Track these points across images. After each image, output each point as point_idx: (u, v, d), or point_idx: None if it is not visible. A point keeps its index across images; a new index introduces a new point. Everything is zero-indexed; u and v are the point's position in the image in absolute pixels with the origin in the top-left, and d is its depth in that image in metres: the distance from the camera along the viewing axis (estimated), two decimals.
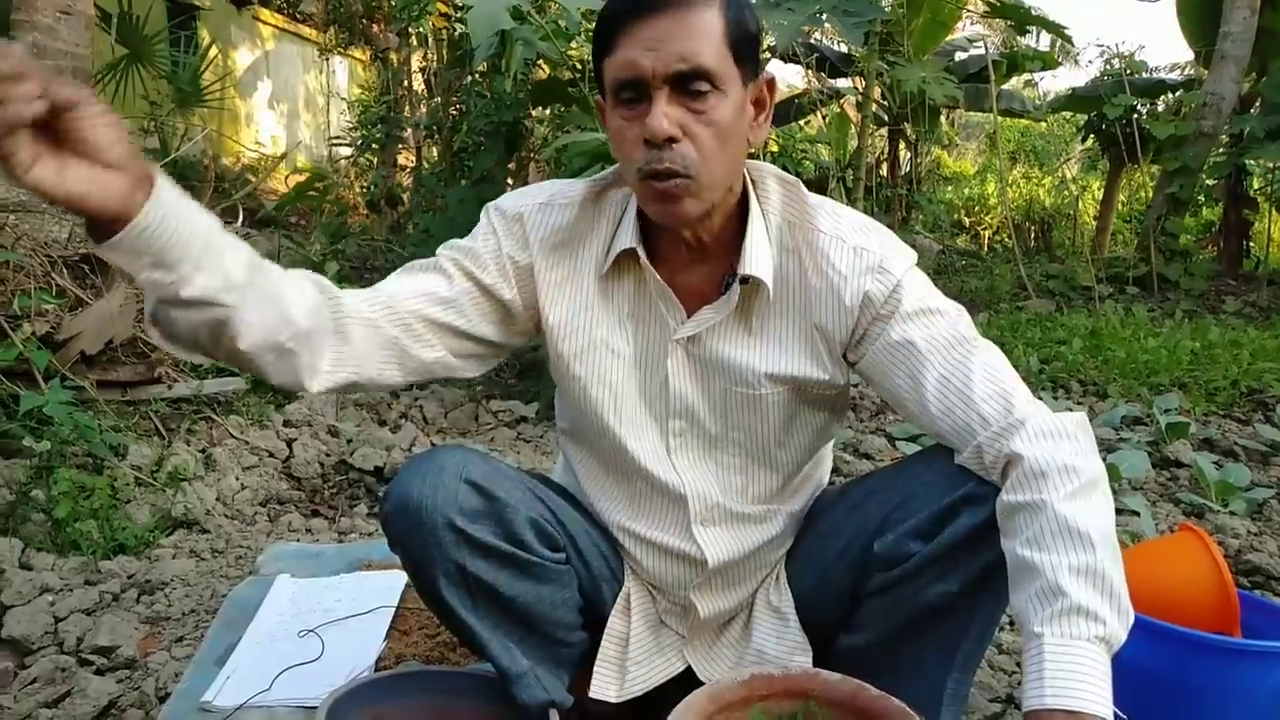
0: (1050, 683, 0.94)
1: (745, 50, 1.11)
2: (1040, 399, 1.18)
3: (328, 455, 2.92)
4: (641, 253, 1.21)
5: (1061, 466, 1.04)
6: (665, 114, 1.06)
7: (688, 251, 1.22)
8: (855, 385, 3.08)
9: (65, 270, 2.93)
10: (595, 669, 1.32)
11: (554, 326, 1.26)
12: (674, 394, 1.26)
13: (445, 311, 1.19)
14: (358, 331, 1.12)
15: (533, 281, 1.25)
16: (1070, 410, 1.15)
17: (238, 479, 2.66)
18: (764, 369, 1.23)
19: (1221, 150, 7.53)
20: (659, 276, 1.22)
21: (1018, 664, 1.81)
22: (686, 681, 1.30)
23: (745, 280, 1.20)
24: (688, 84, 1.07)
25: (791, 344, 1.24)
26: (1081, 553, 0.99)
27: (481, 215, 1.28)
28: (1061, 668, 0.94)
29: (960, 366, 1.14)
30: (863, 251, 1.20)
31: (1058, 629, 0.96)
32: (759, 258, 1.19)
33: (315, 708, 1.30)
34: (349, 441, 3.02)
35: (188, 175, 7.20)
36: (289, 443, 2.93)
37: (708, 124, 1.09)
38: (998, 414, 1.10)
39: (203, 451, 2.72)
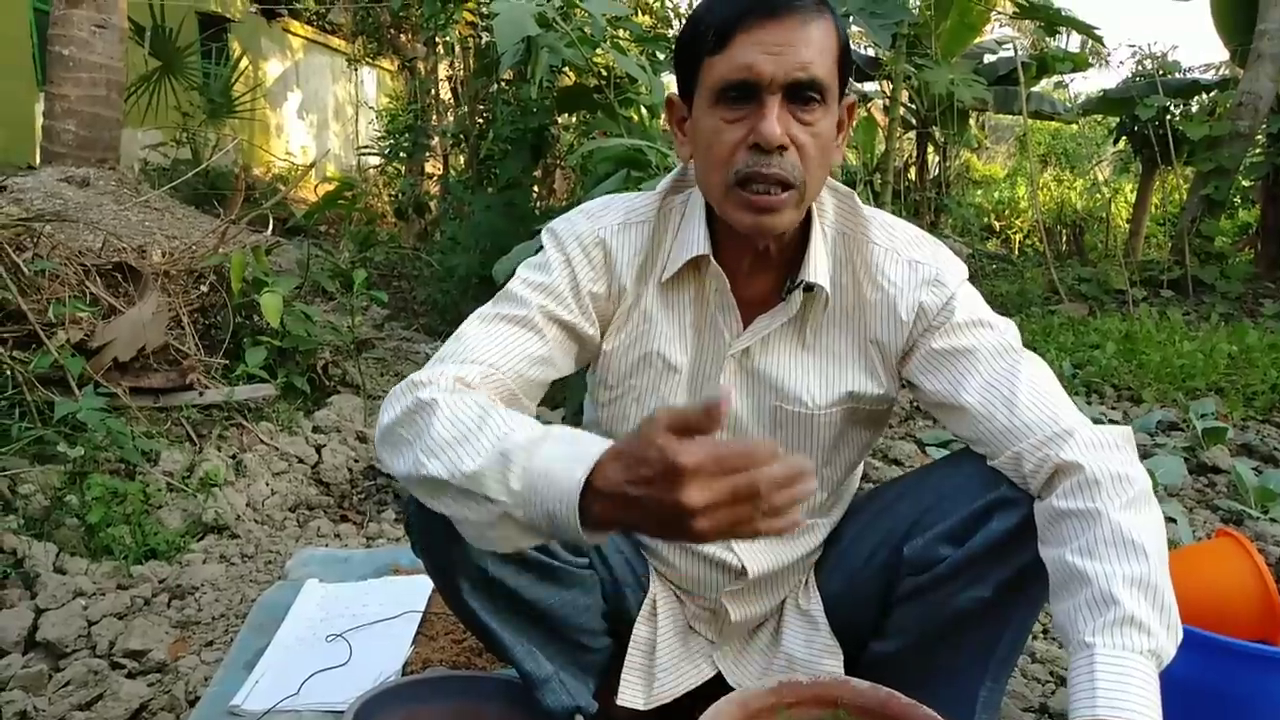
0: (1102, 694, 0.92)
1: (845, 69, 1.11)
2: (1073, 403, 1.16)
3: (356, 461, 2.94)
4: (712, 258, 1.18)
5: (1115, 475, 1.03)
6: (779, 120, 1.05)
7: (750, 262, 1.20)
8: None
9: (99, 279, 2.98)
10: (622, 676, 1.31)
11: (612, 350, 1.24)
12: None
13: (543, 370, 1.17)
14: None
15: (610, 308, 1.23)
16: (1104, 416, 1.14)
17: (267, 484, 2.68)
18: (819, 389, 1.22)
19: (1258, 150, 7.37)
20: (725, 285, 1.19)
21: (1051, 673, 1.78)
22: (714, 688, 1.29)
23: (809, 288, 1.19)
24: (801, 93, 1.05)
25: (847, 358, 1.23)
26: (1136, 564, 0.98)
27: (547, 240, 1.23)
28: (1113, 679, 0.93)
29: (1006, 375, 1.13)
30: (918, 265, 1.20)
31: (1109, 640, 0.95)
32: (819, 267, 1.18)
33: (343, 712, 1.30)
34: None
35: (219, 185, 7.33)
36: (318, 448, 2.95)
37: (814, 135, 1.08)
38: (1042, 423, 1.09)
39: (233, 457, 2.75)
